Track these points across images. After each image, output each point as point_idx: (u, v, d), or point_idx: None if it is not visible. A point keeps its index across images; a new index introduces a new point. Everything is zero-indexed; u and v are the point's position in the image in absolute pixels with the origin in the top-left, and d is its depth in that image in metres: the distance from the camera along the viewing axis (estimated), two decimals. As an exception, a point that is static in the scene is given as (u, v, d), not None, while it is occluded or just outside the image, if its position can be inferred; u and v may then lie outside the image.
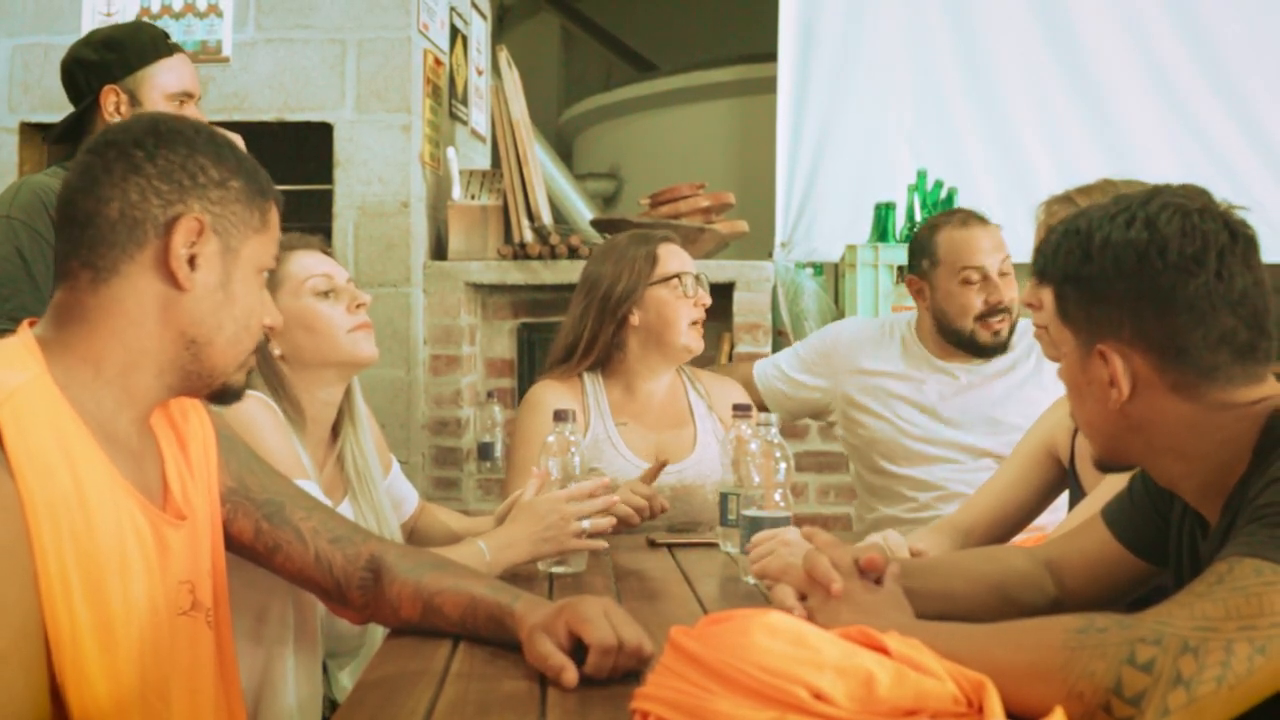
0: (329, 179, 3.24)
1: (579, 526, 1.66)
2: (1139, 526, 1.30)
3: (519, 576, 1.65)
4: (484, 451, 2.78)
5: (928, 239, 2.43)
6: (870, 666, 0.89)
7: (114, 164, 1.12)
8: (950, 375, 2.43)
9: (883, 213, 3.38)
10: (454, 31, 3.58)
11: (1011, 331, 2.39)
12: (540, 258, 3.25)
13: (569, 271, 3.20)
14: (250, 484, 1.33)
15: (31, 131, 3.24)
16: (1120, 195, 1.15)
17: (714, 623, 0.98)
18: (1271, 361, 1.11)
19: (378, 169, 3.22)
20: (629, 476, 2.19)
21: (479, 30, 3.92)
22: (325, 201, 3.26)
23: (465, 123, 3.73)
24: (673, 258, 2.26)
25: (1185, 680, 0.89)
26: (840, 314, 3.37)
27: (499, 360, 3.47)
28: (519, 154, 3.29)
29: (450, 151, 3.34)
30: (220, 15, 3.18)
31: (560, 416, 1.77)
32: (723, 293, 3.22)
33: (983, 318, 2.36)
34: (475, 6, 3.86)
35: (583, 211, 5.04)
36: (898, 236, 3.33)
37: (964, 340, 2.40)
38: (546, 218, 3.31)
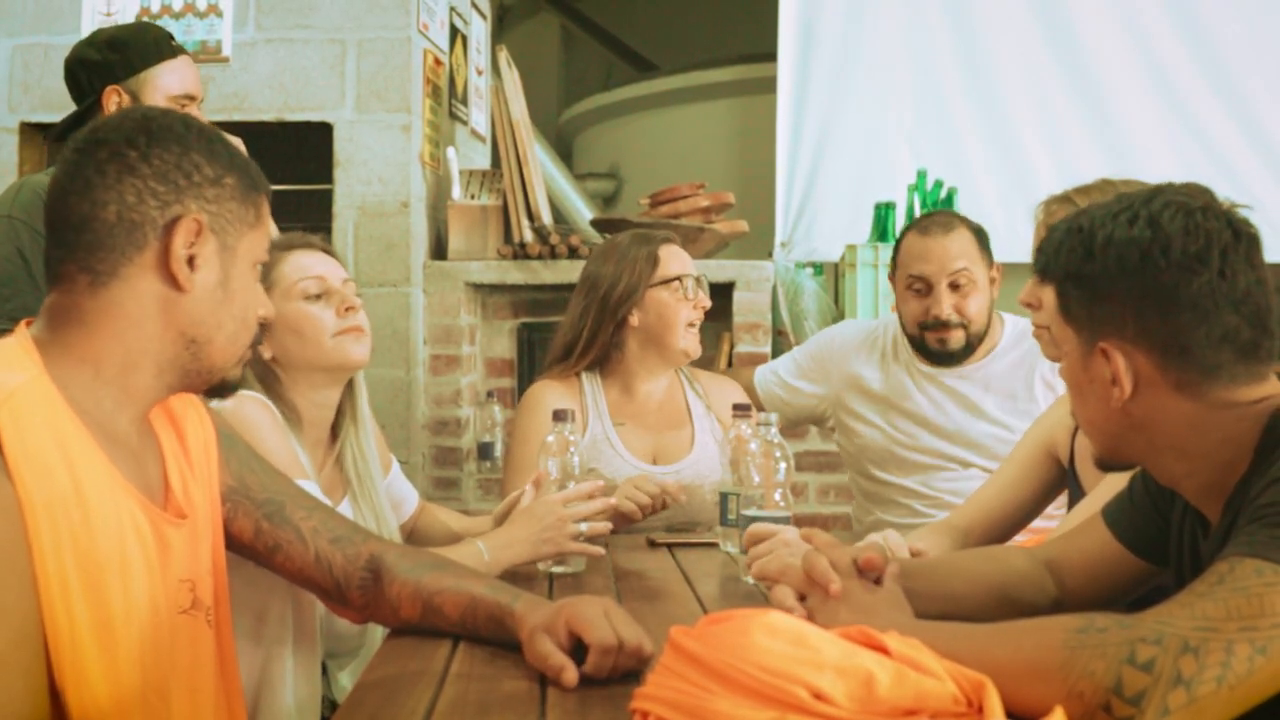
0: (329, 179, 3.24)
1: (576, 529, 1.66)
2: (1139, 526, 1.30)
3: (519, 576, 1.65)
4: (484, 451, 2.78)
5: (898, 241, 2.43)
6: (870, 666, 0.89)
7: (106, 164, 1.11)
8: (935, 382, 2.41)
9: (883, 213, 3.39)
10: (454, 31, 3.58)
11: (970, 343, 2.34)
12: (540, 258, 3.25)
13: (569, 271, 3.20)
14: (250, 483, 1.33)
15: (32, 131, 3.24)
16: (1122, 194, 1.15)
17: (714, 623, 0.97)
18: (1274, 361, 1.11)
19: (378, 169, 3.22)
20: (627, 477, 2.20)
21: (479, 30, 3.92)
22: (325, 201, 3.27)
23: (465, 123, 3.73)
24: (674, 259, 2.26)
25: (1185, 680, 0.89)
26: (840, 314, 3.37)
27: (499, 360, 3.47)
28: (519, 154, 3.29)
29: (450, 151, 3.34)
30: (220, 15, 3.18)
31: (559, 416, 1.77)
32: (723, 293, 3.23)
33: (926, 327, 2.35)
34: (475, 6, 3.86)
35: (583, 211, 5.04)
36: (897, 236, 3.33)
37: (918, 346, 2.40)
38: (546, 218, 3.31)
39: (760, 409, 2.45)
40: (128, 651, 1.08)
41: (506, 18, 6.64)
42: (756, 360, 3.15)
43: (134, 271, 1.11)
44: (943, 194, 3.34)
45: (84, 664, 1.04)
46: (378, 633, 1.62)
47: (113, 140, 1.12)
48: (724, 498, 1.83)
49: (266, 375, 1.72)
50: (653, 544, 1.96)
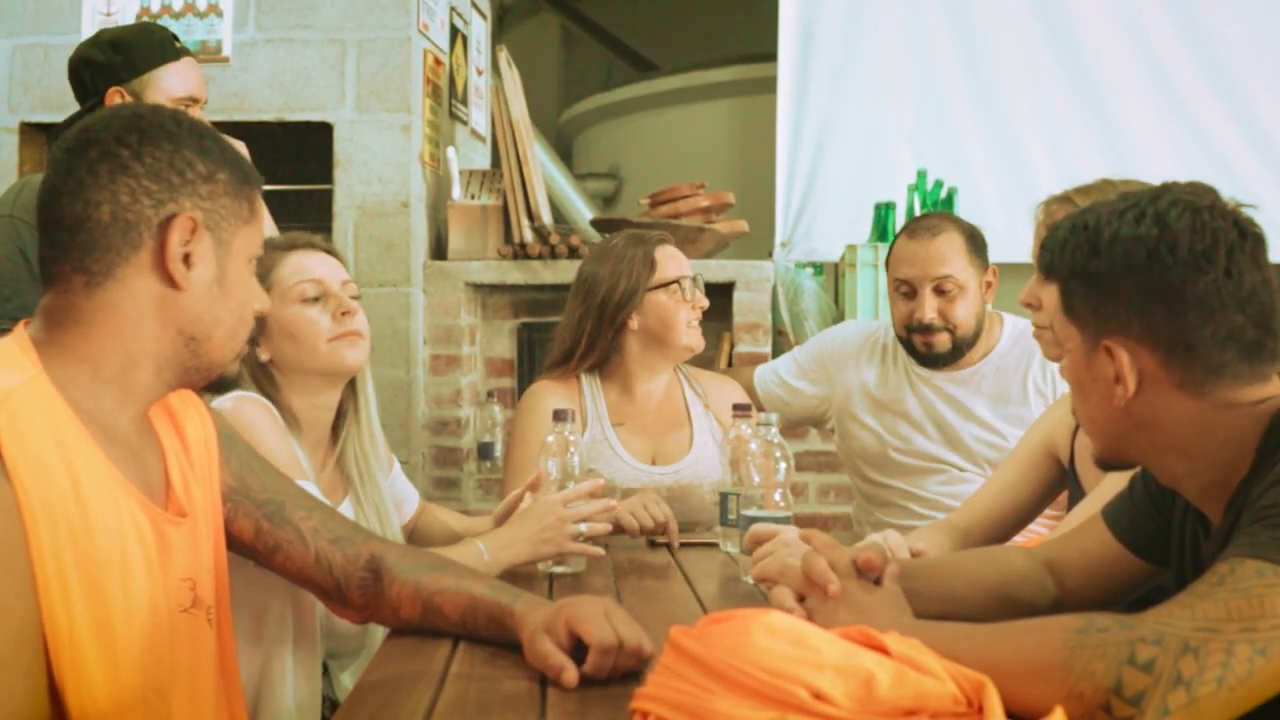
0: (329, 179, 3.24)
1: (576, 529, 1.66)
2: (1139, 526, 1.30)
3: (519, 576, 1.65)
4: (484, 451, 2.78)
5: (891, 243, 2.43)
6: (870, 666, 0.89)
7: (98, 164, 1.10)
8: (929, 384, 2.41)
9: (883, 213, 3.39)
10: (454, 31, 3.58)
11: (958, 346, 2.34)
12: (540, 257, 3.25)
13: (569, 271, 3.18)
14: (251, 483, 1.33)
15: (32, 131, 3.24)
16: (1127, 192, 1.15)
17: (714, 623, 0.97)
18: (1277, 361, 1.11)
19: (378, 169, 3.22)
20: (626, 478, 2.20)
21: (479, 30, 3.92)
22: (325, 201, 3.26)
23: (465, 123, 3.73)
24: (671, 261, 2.26)
25: (1186, 681, 0.89)
26: (840, 314, 3.37)
27: (499, 360, 3.47)
28: (519, 154, 3.29)
29: (450, 151, 3.34)
30: (220, 15, 3.18)
31: (560, 416, 1.77)
32: (723, 293, 3.23)
33: (912, 330, 2.35)
34: (475, 6, 3.86)
35: (583, 211, 5.04)
36: (897, 234, 3.33)
37: (908, 348, 2.40)
38: (546, 218, 3.31)
39: (760, 409, 2.45)
40: (128, 651, 1.08)
41: (506, 18, 6.64)
42: (756, 360, 3.14)
43: (130, 271, 1.11)
44: (943, 194, 3.34)
45: (84, 663, 1.03)
46: (378, 633, 1.62)
47: (104, 139, 1.11)
48: (724, 498, 1.83)
49: (263, 377, 1.72)
50: (653, 544, 1.96)
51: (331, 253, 1.79)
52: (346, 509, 1.76)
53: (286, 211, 3.29)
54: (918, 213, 3.31)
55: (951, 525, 1.82)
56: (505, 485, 2.20)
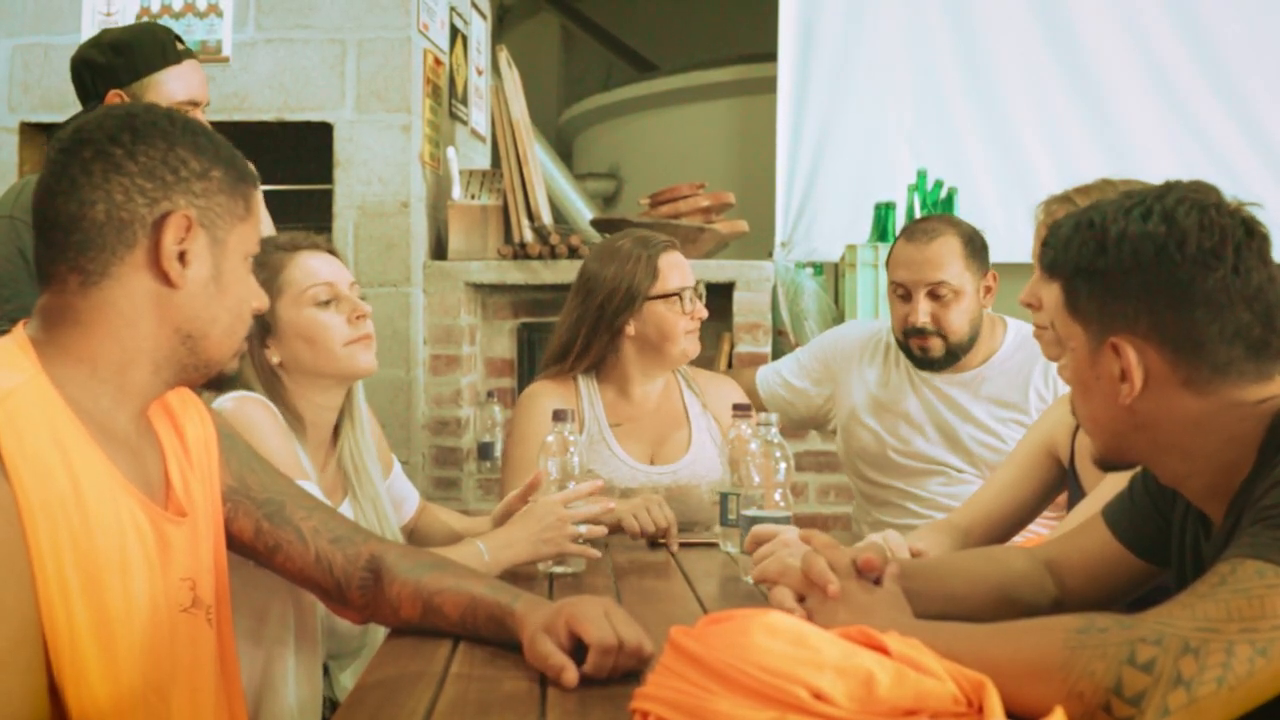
0: (329, 179, 3.24)
1: (576, 530, 1.66)
2: (1139, 526, 1.30)
3: (519, 576, 1.65)
4: (484, 451, 2.78)
5: (893, 244, 2.43)
6: (870, 666, 0.89)
7: (92, 163, 1.10)
8: (930, 386, 2.41)
9: (883, 213, 3.39)
10: (454, 31, 3.58)
11: (952, 351, 2.34)
12: (540, 257, 3.25)
13: (569, 271, 3.19)
14: (251, 483, 1.33)
15: (32, 131, 3.24)
16: (1130, 191, 1.15)
17: (714, 623, 0.97)
18: None
19: (378, 169, 3.22)
20: (624, 478, 2.20)
21: (479, 30, 3.92)
22: (325, 201, 3.26)
23: (465, 123, 3.73)
24: (674, 271, 2.25)
25: (1186, 681, 0.89)
26: (840, 314, 3.37)
27: (499, 360, 3.47)
28: (519, 154, 3.29)
29: (450, 151, 3.34)
30: (220, 15, 3.18)
31: (559, 416, 1.77)
32: (723, 293, 3.23)
33: (908, 333, 2.36)
34: (475, 6, 3.86)
35: (583, 211, 5.04)
36: (897, 236, 3.33)
37: (905, 351, 2.40)
38: (546, 218, 3.31)
39: (761, 410, 2.45)
40: (128, 650, 1.08)
41: (506, 18, 6.64)
42: (757, 360, 3.15)
43: (125, 270, 1.11)
44: (943, 194, 3.34)
45: (83, 663, 1.03)
46: (378, 633, 1.62)
47: (97, 139, 1.11)
48: (724, 498, 1.83)
49: (271, 380, 1.71)
50: (653, 544, 1.96)
51: (334, 253, 1.80)
52: (346, 509, 1.76)
53: (286, 211, 3.29)
54: (918, 213, 3.31)
55: (951, 525, 1.82)
56: (504, 486, 2.20)
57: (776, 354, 3.21)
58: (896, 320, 2.38)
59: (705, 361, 3.18)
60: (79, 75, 2.15)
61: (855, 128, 3.63)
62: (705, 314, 2.28)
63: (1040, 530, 2.03)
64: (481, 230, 3.33)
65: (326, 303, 1.73)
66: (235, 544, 1.33)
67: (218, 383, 1.23)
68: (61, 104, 3.07)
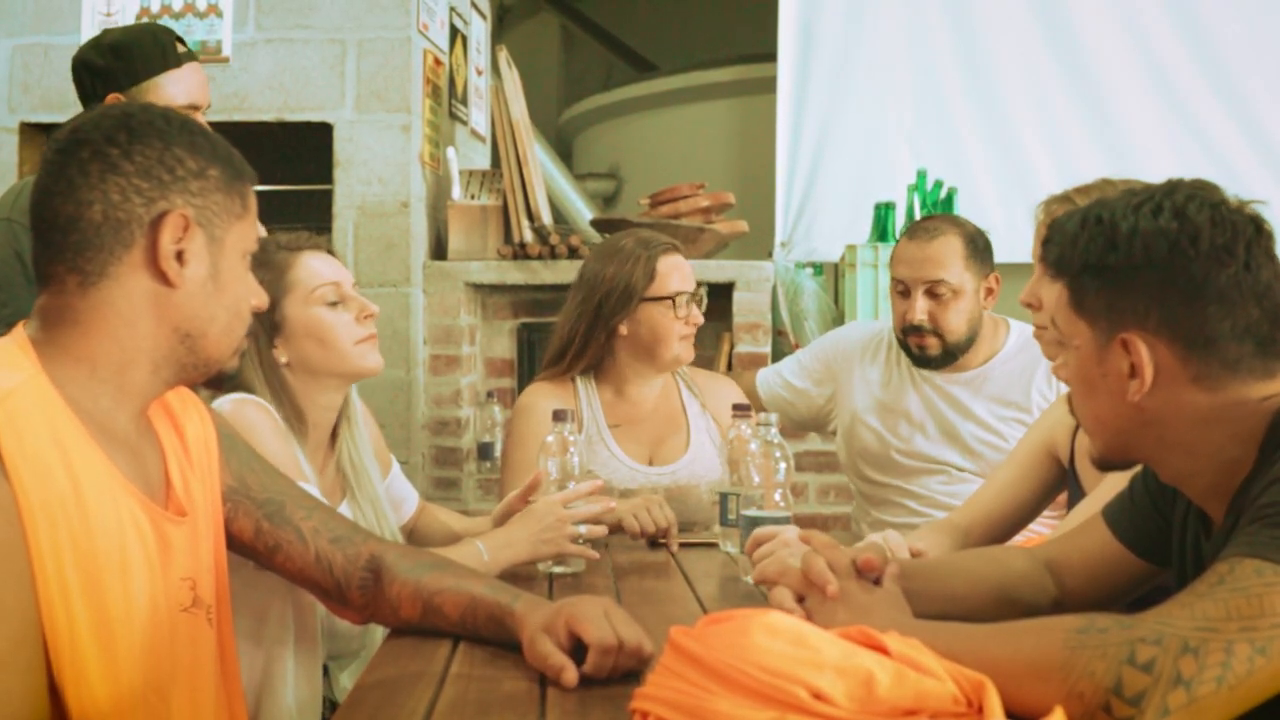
0: (329, 179, 3.24)
1: (575, 530, 1.66)
2: (1140, 526, 1.30)
3: (519, 577, 1.65)
4: (484, 451, 2.78)
5: (896, 243, 2.44)
6: (870, 666, 0.89)
7: (89, 164, 1.10)
8: (932, 385, 2.41)
9: (882, 213, 3.39)
10: (454, 31, 3.58)
11: (950, 351, 2.35)
12: (540, 258, 3.25)
13: (569, 271, 3.19)
14: (251, 483, 1.33)
15: (32, 131, 3.24)
16: (1133, 189, 1.14)
17: (714, 623, 0.97)
18: None
19: (378, 169, 3.22)
20: (623, 479, 2.20)
21: (479, 30, 3.92)
22: (325, 201, 3.26)
23: (465, 123, 3.73)
24: (673, 274, 2.23)
25: (1185, 680, 0.89)
26: (840, 314, 3.38)
27: (499, 360, 3.48)
28: (519, 154, 3.29)
29: (450, 151, 3.34)
30: (220, 15, 3.18)
31: (559, 416, 1.77)
32: (723, 293, 3.23)
33: (906, 331, 2.36)
34: (475, 6, 3.86)
35: (583, 211, 5.04)
36: (897, 236, 3.33)
37: (904, 349, 2.41)
38: (546, 218, 3.31)
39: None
40: (128, 650, 1.08)
41: (506, 18, 6.64)
42: (757, 360, 3.15)
43: (123, 270, 1.11)
44: (943, 194, 3.34)
45: (84, 663, 1.03)
46: (378, 633, 1.62)
47: (94, 139, 1.11)
48: (724, 498, 1.83)
49: (277, 379, 1.71)
50: (653, 544, 1.96)
51: (332, 254, 1.81)
52: (344, 510, 1.76)
53: (286, 211, 3.30)
54: (918, 213, 3.32)
55: (951, 525, 1.82)
56: (503, 488, 2.20)
57: (776, 354, 3.21)
58: (896, 317, 2.39)
59: (705, 362, 3.18)
60: (79, 78, 2.15)
61: (855, 128, 3.63)
62: (701, 320, 2.26)
63: (1040, 530, 2.03)
64: (481, 230, 3.33)
65: (335, 303, 1.74)
66: (235, 544, 1.33)
67: (218, 381, 1.23)
68: (61, 104, 3.07)
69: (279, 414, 1.67)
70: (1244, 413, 1.08)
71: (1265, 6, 3.54)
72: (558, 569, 1.72)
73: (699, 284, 2.29)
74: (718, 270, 3.25)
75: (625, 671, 1.14)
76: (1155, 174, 1.28)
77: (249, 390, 1.66)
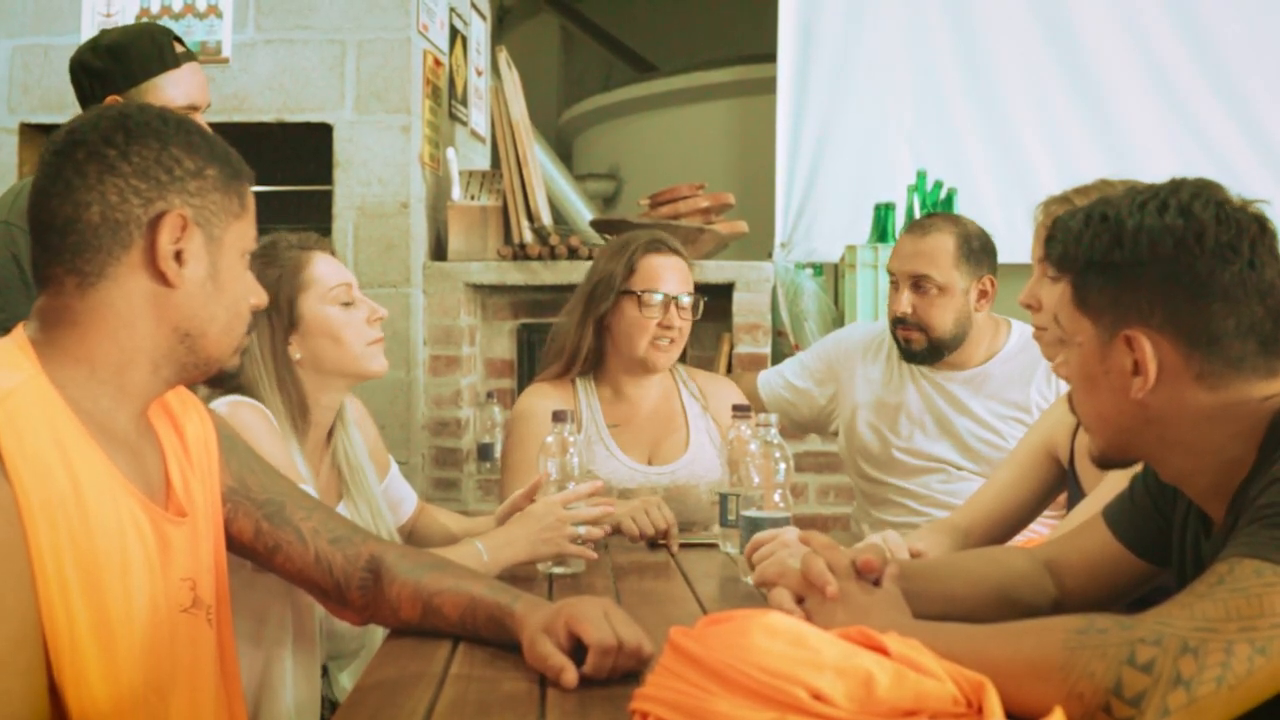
0: (329, 180, 3.24)
1: (575, 531, 1.66)
2: (1140, 526, 1.30)
3: (518, 577, 1.65)
4: (483, 452, 2.79)
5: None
6: (870, 667, 0.89)
7: (86, 165, 1.10)
8: (932, 383, 2.42)
9: (882, 213, 3.39)
10: (454, 32, 3.58)
11: (936, 348, 2.35)
12: (540, 258, 3.25)
13: (569, 272, 3.20)
14: (251, 484, 1.33)
15: (32, 132, 3.24)
16: (1136, 187, 1.15)
17: (713, 623, 0.97)
18: None
19: (377, 170, 3.22)
20: (622, 479, 2.20)
21: (479, 31, 3.92)
22: (325, 202, 3.26)
23: (465, 123, 3.73)
24: (657, 273, 2.21)
25: (1185, 681, 0.89)
26: (840, 314, 3.37)
27: (499, 361, 3.47)
28: (519, 154, 3.29)
29: (450, 152, 3.34)
30: (220, 16, 3.18)
31: (559, 417, 1.77)
32: (722, 293, 3.23)
33: (894, 323, 2.39)
34: (475, 7, 3.86)
35: (582, 212, 5.04)
36: (897, 237, 3.33)
37: (895, 342, 2.42)
38: (546, 218, 3.31)
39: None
40: (128, 651, 1.08)
41: (506, 18, 6.64)
42: (756, 361, 3.15)
43: (122, 270, 1.11)
44: (942, 194, 3.34)
45: (83, 664, 1.03)
46: (378, 634, 1.62)
47: (90, 140, 1.11)
48: (724, 499, 1.83)
49: (288, 375, 1.71)
50: (653, 544, 1.96)
51: (335, 256, 1.82)
52: (341, 511, 1.76)
53: (286, 212, 3.29)
54: (918, 213, 3.31)
55: (951, 525, 1.82)
56: (503, 489, 2.20)
57: (776, 355, 3.21)
58: (888, 309, 2.42)
59: (705, 363, 3.19)
60: (77, 80, 2.14)
61: (855, 128, 3.62)
62: (678, 326, 2.22)
63: (1040, 530, 2.03)
64: (481, 231, 3.33)
65: (348, 304, 1.76)
66: (235, 544, 1.33)
67: (219, 379, 1.23)
68: (61, 105, 3.07)
69: (280, 413, 1.68)
70: (1245, 412, 1.08)
71: (1265, 6, 3.54)
72: (557, 569, 1.72)
73: (695, 293, 2.26)
74: (717, 271, 3.25)
75: (625, 672, 1.14)
76: (1155, 174, 1.28)
77: (251, 388, 1.66)
